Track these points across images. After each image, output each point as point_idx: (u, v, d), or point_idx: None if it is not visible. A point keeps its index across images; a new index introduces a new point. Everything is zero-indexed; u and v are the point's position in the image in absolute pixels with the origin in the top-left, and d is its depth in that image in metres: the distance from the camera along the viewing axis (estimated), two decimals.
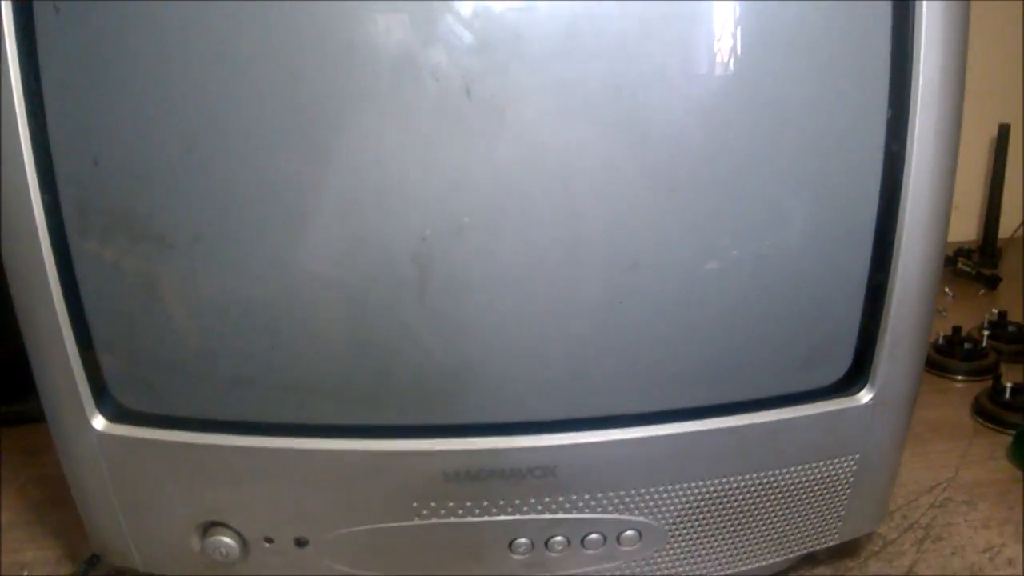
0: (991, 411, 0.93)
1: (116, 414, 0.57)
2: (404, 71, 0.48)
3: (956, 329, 1.08)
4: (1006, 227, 1.46)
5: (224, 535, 0.59)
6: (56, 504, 0.78)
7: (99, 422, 0.57)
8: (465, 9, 0.48)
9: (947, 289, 1.32)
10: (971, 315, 1.18)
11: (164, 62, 0.49)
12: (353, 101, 0.49)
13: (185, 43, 0.48)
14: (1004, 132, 1.40)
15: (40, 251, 0.52)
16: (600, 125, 0.51)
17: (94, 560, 0.69)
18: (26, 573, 0.71)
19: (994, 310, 1.14)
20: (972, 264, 1.39)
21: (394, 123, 0.49)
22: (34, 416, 0.89)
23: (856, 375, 0.60)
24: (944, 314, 1.22)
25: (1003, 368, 1.04)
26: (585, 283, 0.54)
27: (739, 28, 0.51)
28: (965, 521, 0.76)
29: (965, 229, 1.55)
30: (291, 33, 0.48)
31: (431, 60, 0.48)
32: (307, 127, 0.50)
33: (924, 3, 0.51)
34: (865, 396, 0.60)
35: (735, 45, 0.51)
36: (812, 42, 0.51)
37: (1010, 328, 1.12)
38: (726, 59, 0.51)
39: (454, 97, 0.48)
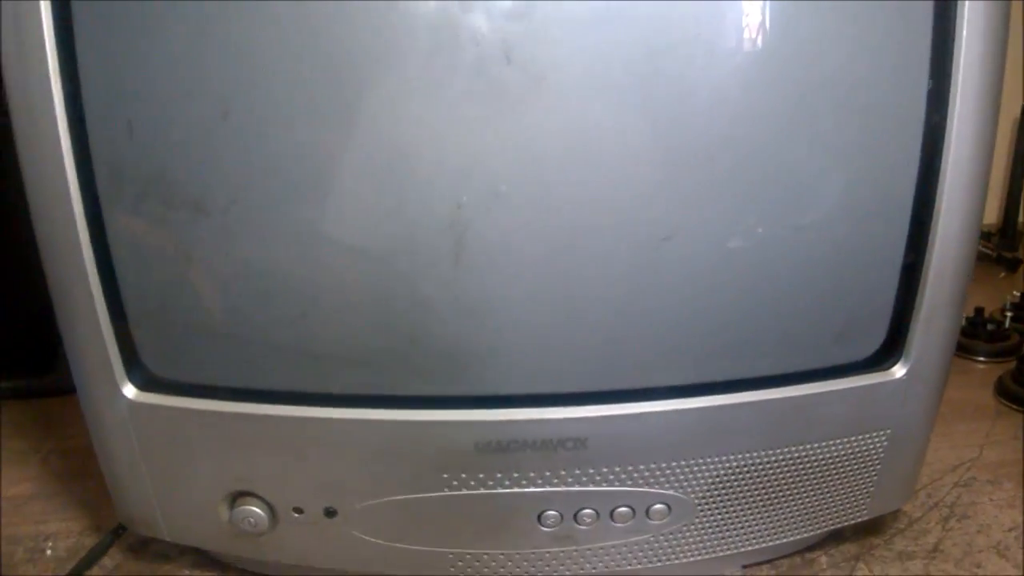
0: (1014, 392, 0.93)
1: (147, 383, 0.57)
2: (444, 35, 0.48)
3: (979, 311, 1.07)
4: None
5: (253, 505, 0.59)
6: (80, 476, 0.79)
7: (130, 391, 0.57)
8: None
9: None
10: (991, 298, 1.17)
11: (200, 26, 0.48)
12: (391, 65, 0.49)
13: (222, 6, 0.48)
14: None
15: (74, 218, 0.52)
16: (639, 92, 0.50)
17: (119, 531, 0.69)
18: (50, 544, 0.71)
19: (1016, 292, 1.14)
20: (992, 247, 1.38)
21: (432, 88, 0.49)
22: (57, 388, 0.90)
23: (890, 349, 0.60)
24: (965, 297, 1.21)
25: None
26: (620, 253, 0.53)
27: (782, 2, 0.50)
28: (990, 500, 0.76)
29: (986, 212, 1.54)
30: None
31: (471, 24, 0.47)
32: (344, 92, 0.49)
33: None
34: (899, 371, 0.59)
35: (776, 14, 0.50)
36: (855, 14, 0.51)
37: None
38: (767, 28, 0.50)
39: (494, 63, 0.48)
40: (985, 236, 1.41)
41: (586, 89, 0.50)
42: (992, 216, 1.53)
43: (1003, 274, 1.33)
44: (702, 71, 0.50)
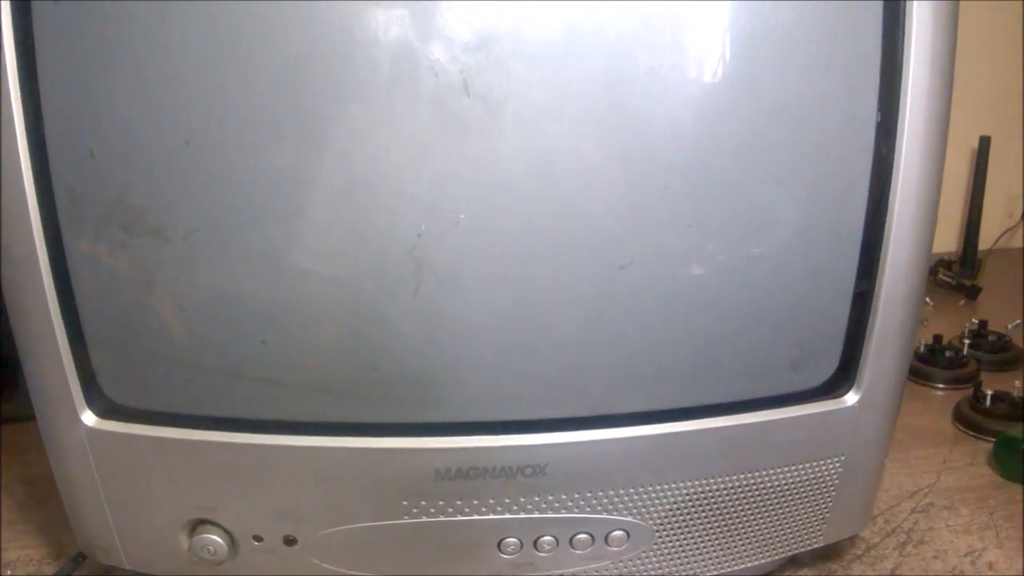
0: (971, 418, 0.94)
1: (106, 410, 0.57)
2: (403, 66, 0.48)
3: (937, 338, 1.09)
4: (986, 238, 1.48)
5: (212, 533, 0.59)
6: (40, 503, 0.78)
7: (88, 417, 0.57)
8: (464, 5, 0.48)
9: (928, 299, 1.33)
10: (952, 325, 1.19)
11: (161, 54, 0.49)
12: (352, 95, 0.50)
13: (183, 36, 0.48)
14: (985, 144, 1.42)
15: (33, 243, 0.52)
16: (596, 123, 0.51)
17: (80, 558, 0.69)
18: (9, 572, 0.70)
19: (974, 320, 1.16)
20: (952, 275, 1.40)
21: (392, 118, 0.50)
22: (17, 415, 0.89)
23: (842, 377, 0.61)
24: (925, 324, 1.23)
25: (983, 376, 1.05)
26: (578, 281, 0.54)
27: (734, 30, 0.51)
28: (947, 526, 0.77)
29: (945, 240, 1.57)
30: (290, 27, 0.48)
31: (430, 55, 0.48)
32: (305, 121, 0.50)
33: (915, 4, 0.52)
34: (851, 398, 0.61)
35: (730, 46, 0.51)
36: (805, 45, 0.52)
37: (990, 337, 1.13)
38: (721, 60, 0.51)
39: (452, 93, 0.49)
40: (945, 264, 1.43)
41: (543, 120, 0.51)
42: (952, 244, 1.56)
43: (963, 302, 1.35)
44: (657, 103, 0.51)
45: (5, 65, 0.49)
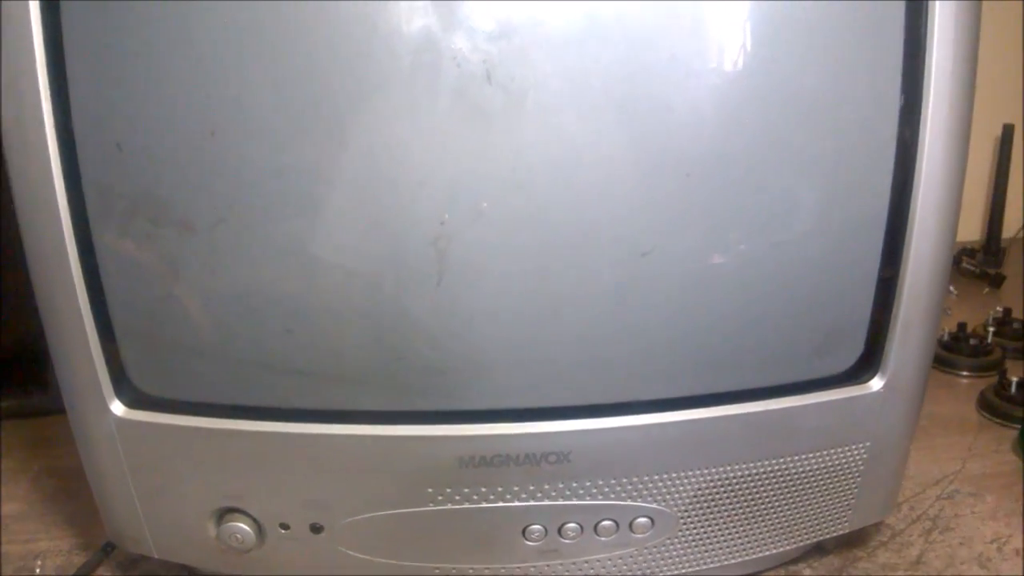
0: (996, 406, 0.94)
1: (134, 400, 0.58)
2: (426, 56, 0.49)
3: (961, 326, 1.09)
4: (1010, 226, 1.47)
5: (240, 521, 0.60)
6: (69, 495, 0.79)
7: (118, 408, 0.57)
8: None
9: (952, 288, 1.32)
10: (976, 313, 1.18)
11: (187, 46, 0.49)
12: (375, 86, 0.50)
13: (207, 28, 0.49)
14: (1008, 132, 1.41)
15: (62, 236, 0.52)
16: (618, 111, 0.51)
17: (108, 548, 0.69)
18: (39, 562, 0.71)
19: (998, 308, 1.15)
20: (976, 263, 1.40)
21: (415, 108, 0.50)
22: (47, 408, 0.90)
23: (868, 363, 0.61)
24: (949, 312, 1.22)
25: (1008, 364, 1.05)
26: (601, 269, 0.54)
27: (757, 18, 0.51)
28: (972, 512, 0.77)
29: (969, 228, 1.56)
30: (313, 19, 0.48)
31: (452, 45, 0.48)
32: (328, 112, 0.50)
33: None
34: (876, 384, 0.60)
35: (752, 34, 0.51)
36: (828, 32, 0.52)
37: (1015, 325, 1.13)
38: (743, 48, 0.51)
39: (475, 82, 0.49)
40: (969, 253, 1.43)
41: (566, 108, 0.51)
42: (976, 233, 1.55)
43: (987, 290, 1.34)
44: (679, 90, 0.51)
45: (35, 60, 0.50)
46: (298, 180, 0.51)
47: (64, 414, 0.60)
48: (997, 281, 1.35)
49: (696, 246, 0.55)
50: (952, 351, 1.06)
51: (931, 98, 0.54)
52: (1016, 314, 1.14)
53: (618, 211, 0.53)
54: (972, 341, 1.07)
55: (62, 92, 0.50)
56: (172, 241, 0.53)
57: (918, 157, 0.55)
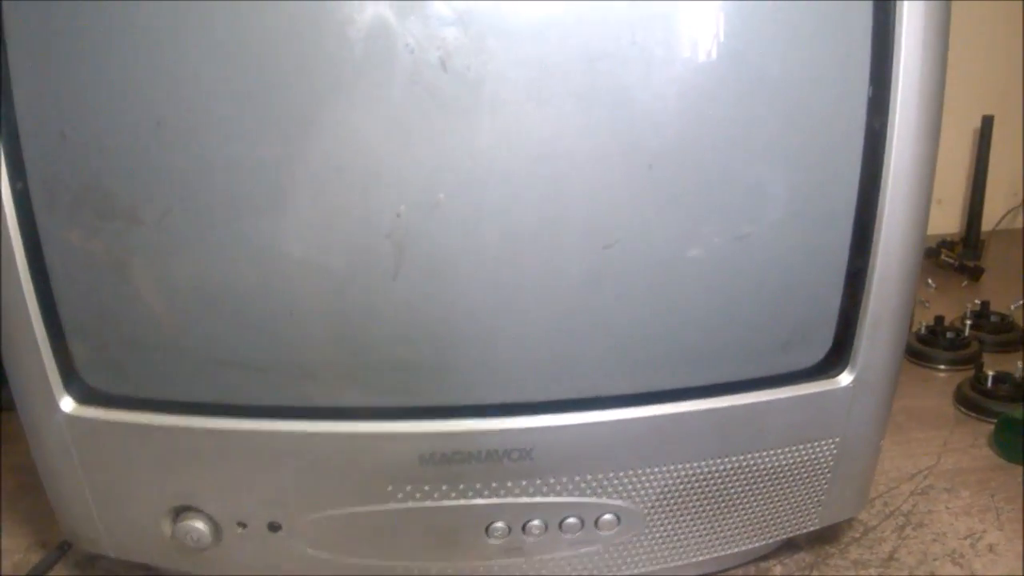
0: (973, 400, 0.93)
1: (85, 396, 0.56)
2: (378, 42, 0.47)
3: (939, 319, 1.08)
4: (988, 219, 1.47)
5: (195, 520, 0.58)
6: (27, 492, 0.77)
7: (68, 404, 0.56)
8: None
9: (930, 280, 1.32)
10: (954, 306, 1.18)
11: (134, 34, 0.48)
12: (325, 73, 0.48)
13: (155, 15, 0.47)
14: (988, 124, 1.41)
15: (7, 229, 0.51)
16: (578, 100, 0.50)
17: (65, 547, 0.68)
18: None
19: (976, 300, 1.15)
20: (955, 256, 1.39)
21: (368, 96, 0.49)
22: (3, 404, 0.88)
23: (836, 358, 0.60)
24: (927, 305, 1.22)
25: (985, 357, 1.04)
26: (563, 261, 0.53)
27: (722, 5, 0.50)
28: (946, 508, 0.76)
29: (948, 221, 1.56)
30: (263, 4, 0.47)
31: (406, 31, 0.47)
32: (278, 101, 0.49)
33: None
34: (845, 379, 0.59)
35: (717, 23, 0.50)
36: (795, 21, 0.51)
37: (993, 318, 1.12)
38: (707, 37, 0.50)
39: (429, 70, 0.48)
40: (948, 246, 1.42)
41: (524, 96, 0.49)
42: (955, 225, 1.54)
43: (965, 283, 1.34)
44: (640, 79, 0.50)
45: None
46: (248, 171, 0.50)
47: None
48: (976, 274, 1.34)
49: (660, 238, 0.54)
50: (929, 344, 1.06)
51: (900, 88, 0.53)
52: (995, 307, 1.14)
53: (579, 203, 0.52)
54: (949, 334, 1.06)
55: (3, 79, 0.49)
56: (120, 233, 0.51)
57: (887, 148, 0.54)
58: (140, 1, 0.47)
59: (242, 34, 0.48)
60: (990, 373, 0.93)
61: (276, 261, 0.52)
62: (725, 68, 0.51)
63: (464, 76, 0.48)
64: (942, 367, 1.04)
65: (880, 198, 0.55)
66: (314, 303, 0.53)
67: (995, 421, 0.87)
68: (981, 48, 1.44)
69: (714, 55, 0.51)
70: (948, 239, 1.44)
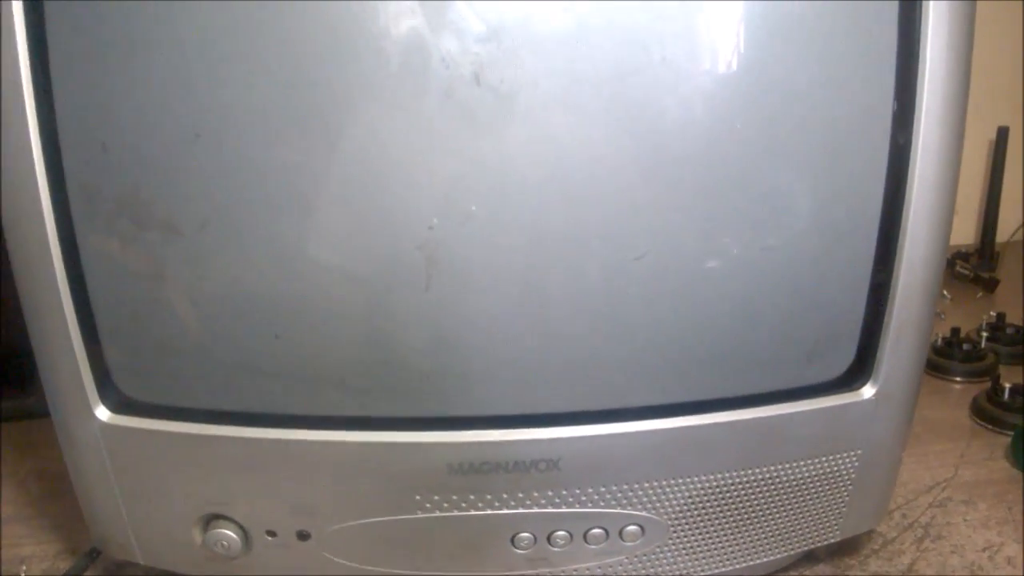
0: (990, 412, 0.93)
1: (119, 405, 0.57)
2: (414, 57, 0.48)
3: (955, 331, 1.08)
4: (1004, 230, 1.47)
5: (226, 528, 0.59)
6: (55, 498, 0.78)
7: (102, 412, 0.57)
8: None
9: (945, 292, 1.32)
10: (969, 318, 1.18)
11: (174, 47, 0.49)
12: (362, 87, 0.49)
13: (195, 29, 0.48)
14: (1003, 135, 1.41)
15: (46, 238, 0.52)
16: (608, 113, 0.51)
17: (94, 554, 0.69)
18: (24, 567, 0.70)
19: (992, 312, 1.15)
20: (970, 267, 1.39)
21: (403, 109, 0.49)
22: (34, 411, 0.90)
23: (859, 370, 0.60)
24: (942, 317, 1.22)
25: (1001, 369, 1.04)
26: (593, 274, 0.54)
27: (749, 19, 0.51)
28: (964, 520, 0.76)
29: (963, 232, 1.56)
30: (300, 20, 0.48)
31: (441, 46, 0.48)
32: (315, 113, 0.50)
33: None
34: (868, 391, 0.60)
35: (745, 36, 0.51)
36: (822, 34, 0.52)
37: (1008, 330, 1.12)
38: (734, 49, 0.51)
39: (463, 84, 0.48)
40: (963, 257, 1.42)
41: (555, 110, 0.50)
42: (970, 236, 1.54)
43: (981, 294, 1.34)
44: (670, 93, 0.51)
45: (18, 59, 0.49)
46: (285, 184, 0.51)
47: (49, 417, 0.59)
48: (991, 285, 1.34)
49: (688, 251, 0.54)
50: (945, 356, 1.06)
51: (924, 101, 0.53)
52: (1010, 319, 1.14)
53: (610, 215, 0.53)
54: (965, 346, 1.06)
55: (46, 91, 0.50)
56: (157, 243, 0.52)
57: (911, 161, 0.54)
58: (181, 15, 0.48)
59: (281, 49, 0.48)
60: (1007, 385, 0.93)
61: (311, 273, 0.53)
62: (753, 83, 0.52)
63: (497, 90, 0.49)
64: (958, 379, 1.05)
65: (904, 210, 0.55)
66: (347, 314, 0.54)
67: (1012, 433, 0.88)
68: (997, 59, 1.45)
69: (742, 70, 0.51)
70: (963, 250, 1.45)
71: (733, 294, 0.56)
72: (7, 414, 0.92)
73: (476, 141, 0.50)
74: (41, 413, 0.88)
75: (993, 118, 1.43)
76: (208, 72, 0.49)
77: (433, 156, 0.50)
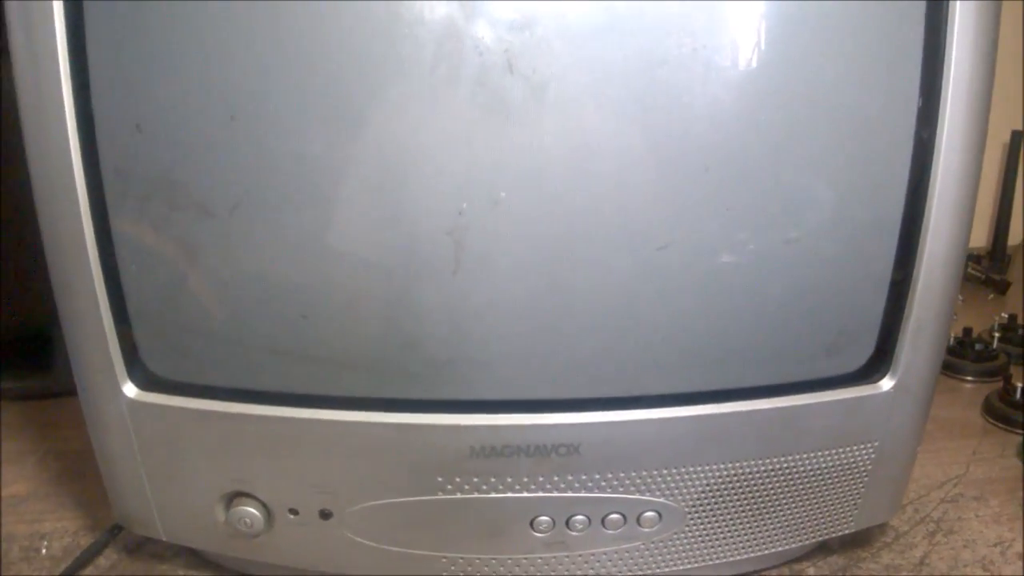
0: (1001, 411, 0.94)
1: (147, 382, 0.58)
2: (448, 44, 0.49)
3: (967, 331, 1.09)
4: (1016, 233, 1.47)
5: (249, 505, 0.60)
6: (76, 477, 0.79)
7: (130, 389, 0.58)
8: None
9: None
10: (980, 319, 1.18)
11: (210, 30, 0.49)
12: (396, 74, 0.50)
13: (231, 11, 0.49)
14: (1016, 138, 1.41)
15: (80, 217, 0.53)
16: (638, 104, 0.51)
17: (115, 530, 0.70)
18: (46, 543, 0.71)
19: (1003, 314, 1.15)
20: (982, 269, 1.40)
21: (436, 96, 0.50)
22: (54, 390, 0.91)
23: (878, 363, 0.61)
24: (954, 317, 1.22)
25: (1013, 370, 1.05)
26: (617, 262, 0.54)
27: (779, 15, 0.51)
28: (976, 516, 0.77)
29: (976, 235, 1.56)
30: (337, 5, 0.49)
31: (475, 34, 0.48)
32: (349, 99, 0.50)
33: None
34: (887, 384, 0.60)
35: (774, 31, 0.51)
36: (849, 31, 0.52)
37: (1020, 331, 1.13)
38: (763, 44, 0.51)
39: (496, 72, 0.49)
40: (975, 259, 1.43)
41: (586, 99, 0.51)
42: (982, 239, 1.55)
43: (992, 295, 1.35)
44: (698, 85, 0.51)
45: (56, 40, 0.50)
46: (317, 167, 0.51)
47: (69, 396, 0.60)
48: (1002, 287, 1.35)
49: (712, 241, 0.55)
50: (957, 356, 1.07)
51: (949, 99, 0.54)
52: (1021, 321, 1.14)
53: (636, 204, 0.53)
54: (978, 346, 1.07)
55: (82, 72, 0.51)
56: (189, 224, 0.53)
57: (934, 158, 0.55)
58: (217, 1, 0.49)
59: (317, 35, 0.49)
60: (1019, 385, 0.94)
61: (340, 255, 0.53)
62: (781, 77, 0.52)
63: (529, 79, 0.50)
64: (970, 378, 1.05)
65: (926, 207, 0.56)
66: (375, 296, 0.54)
67: (1022, 432, 0.88)
68: (1011, 63, 1.45)
69: (770, 64, 0.52)
70: (975, 252, 1.45)
71: (755, 286, 0.57)
72: (28, 393, 0.93)
73: (507, 129, 0.51)
74: (60, 393, 0.90)
75: (1007, 122, 1.43)
76: (244, 54, 0.50)
77: (464, 143, 0.51)
